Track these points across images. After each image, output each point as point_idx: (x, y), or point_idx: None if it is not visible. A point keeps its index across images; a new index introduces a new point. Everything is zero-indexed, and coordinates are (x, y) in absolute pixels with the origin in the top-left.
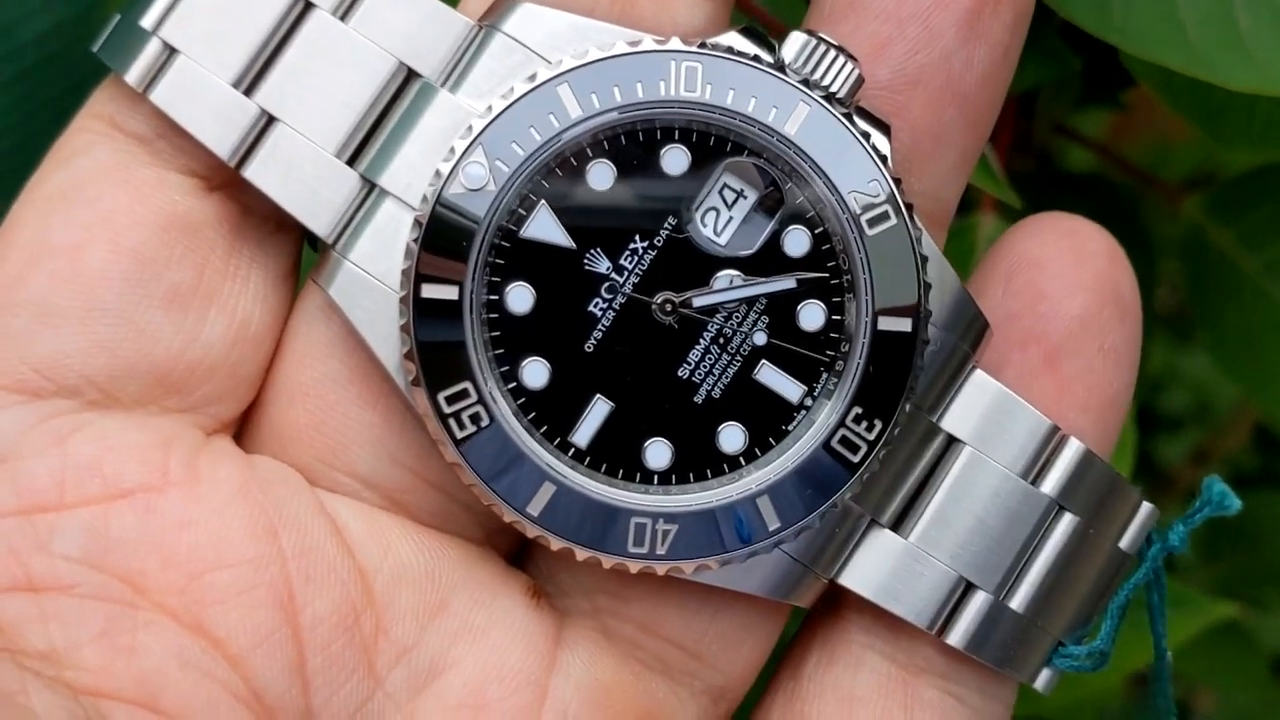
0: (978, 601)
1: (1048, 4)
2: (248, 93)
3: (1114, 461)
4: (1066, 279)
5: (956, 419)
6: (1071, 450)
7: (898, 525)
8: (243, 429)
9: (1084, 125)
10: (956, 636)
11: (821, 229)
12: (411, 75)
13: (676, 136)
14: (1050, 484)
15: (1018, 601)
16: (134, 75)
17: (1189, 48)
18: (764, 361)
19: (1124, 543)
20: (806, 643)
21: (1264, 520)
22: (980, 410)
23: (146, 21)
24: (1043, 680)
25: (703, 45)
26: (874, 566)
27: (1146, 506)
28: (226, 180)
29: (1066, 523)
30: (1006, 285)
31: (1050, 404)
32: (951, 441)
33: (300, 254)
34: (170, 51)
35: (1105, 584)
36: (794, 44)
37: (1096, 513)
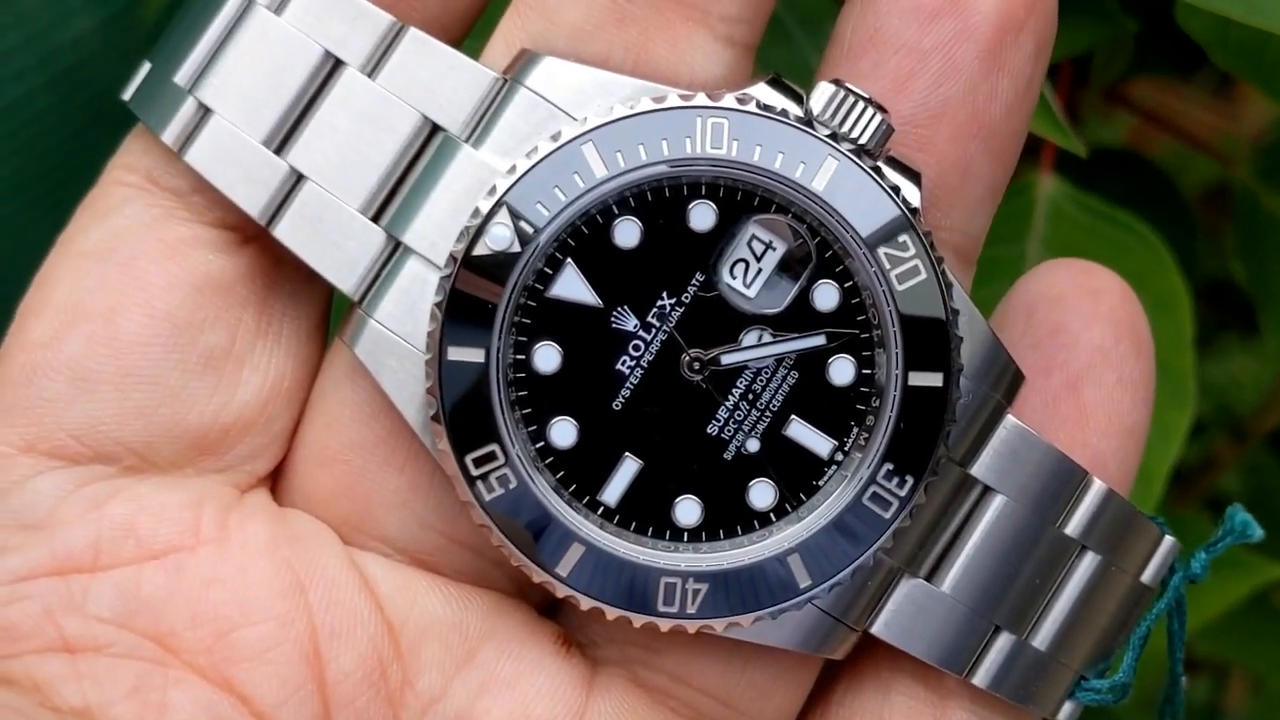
0: (1002, 642)
1: None
2: (278, 151)
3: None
4: (1084, 312)
5: (988, 468)
6: (1095, 491)
7: (931, 575)
8: (276, 485)
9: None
10: (980, 677)
11: (851, 283)
12: (435, 129)
13: (703, 193)
14: (1074, 526)
15: (1040, 639)
16: (170, 135)
17: None
18: (794, 417)
19: (1145, 577)
20: (834, 668)
21: None
22: (1012, 458)
23: (180, 79)
24: (1064, 714)
25: (741, 99)
26: (906, 616)
27: (1168, 541)
28: (259, 232)
29: (1089, 561)
30: (1027, 321)
31: (1073, 429)
32: (985, 491)
33: (331, 302)
34: (205, 111)
35: (1126, 617)
36: (821, 95)
37: (1118, 550)
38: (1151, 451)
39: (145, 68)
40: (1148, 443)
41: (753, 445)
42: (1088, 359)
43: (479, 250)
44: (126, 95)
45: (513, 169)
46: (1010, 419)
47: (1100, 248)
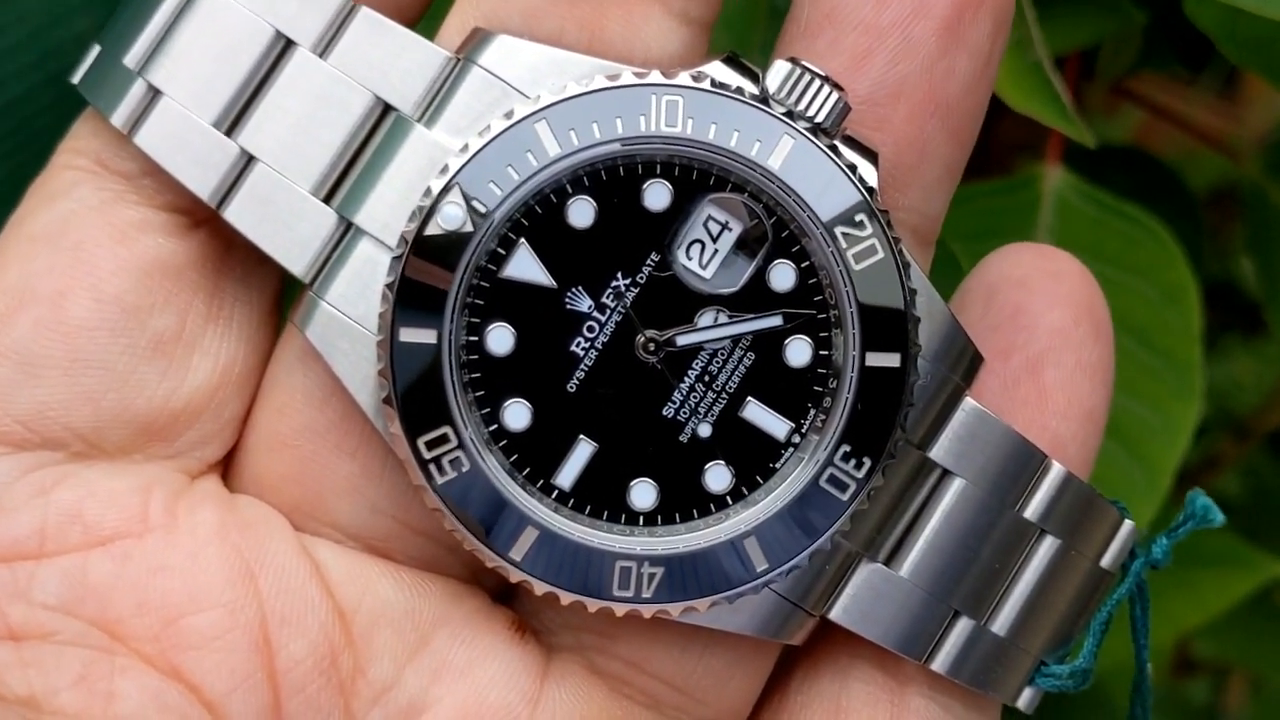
0: (961, 627)
1: None
2: (229, 133)
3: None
4: (1045, 294)
5: (946, 450)
6: (1054, 474)
7: (889, 559)
8: (227, 470)
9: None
10: (939, 662)
11: (807, 263)
12: (388, 109)
13: (658, 172)
14: (1033, 509)
15: (999, 624)
16: (119, 118)
17: None
18: (750, 399)
19: (1105, 561)
20: (792, 655)
21: None
22: (970, 441)
23: (130, 60)
24: (1024, 700)
25: (696, 77)
26: (865, 601)
27: (1127, 525)
28: (210, 214)
29: (1048, 545)
30: (988, 303)
31: (1032, 411)
32: (943, 474)
33: (283, 287)
34: (154, 93)
35: (1086, 602)
36: (778, 74)
37: (1077, 533)
38: (1158, 444)
39: (95, 50)
40: (1153, 435)
41: (709, 428)
42: (1048, 341)
43: (431, 230)
44: (76, 78)
45: (465, 148)
46: (969, 401)
47: (1108, 240)
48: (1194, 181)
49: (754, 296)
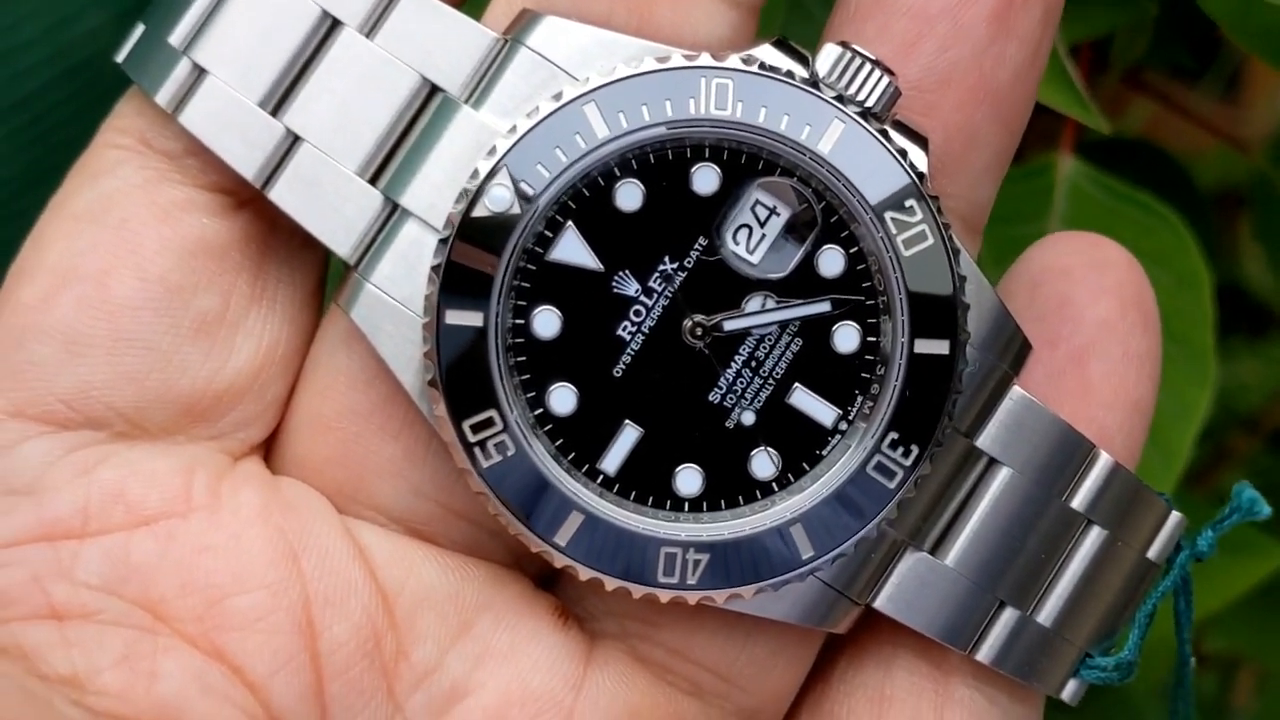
0: (1006, 617)
1: None
2: (274, 112)
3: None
4: (1091, 285)
5: (994, 439)
6: (1101, 464)
7: (935, 548)
8: (269, 452)
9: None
10: (983, 653)
11: (856, 249)
12: (435, 90)
13: (707, 155)
14: (1080, 499)
15: (1044, 615)
16: (164, 97)
17: None
18: (797, 385)
19: (1151, 553)
20: (835, 643)
21: None
22: (1018, 430)
23: (175, 39)
24: (1069, 691)
25: (746, 60)
26: (910, 590)
27: (1175, 516)
28: (254, 195)
29: (1094, 536)
30: (1033, 293)
31: (1077, 402)
32: (990, 463)
33: (327, 267)
34: (200, 72)
35: (1132, 594)
36: (827, 57)
37: (1123, 524)
38: (1172, 428)
39: (139, 29)
40: (1168, 420)
41: (755, 414)
42: (1094, 332)
43: (478, 212)
44: (120, 57)
45: (513, 129)
46: (1017, 390)
47: (1121, 227)
48: (1199, 181)
49: (802, 282)
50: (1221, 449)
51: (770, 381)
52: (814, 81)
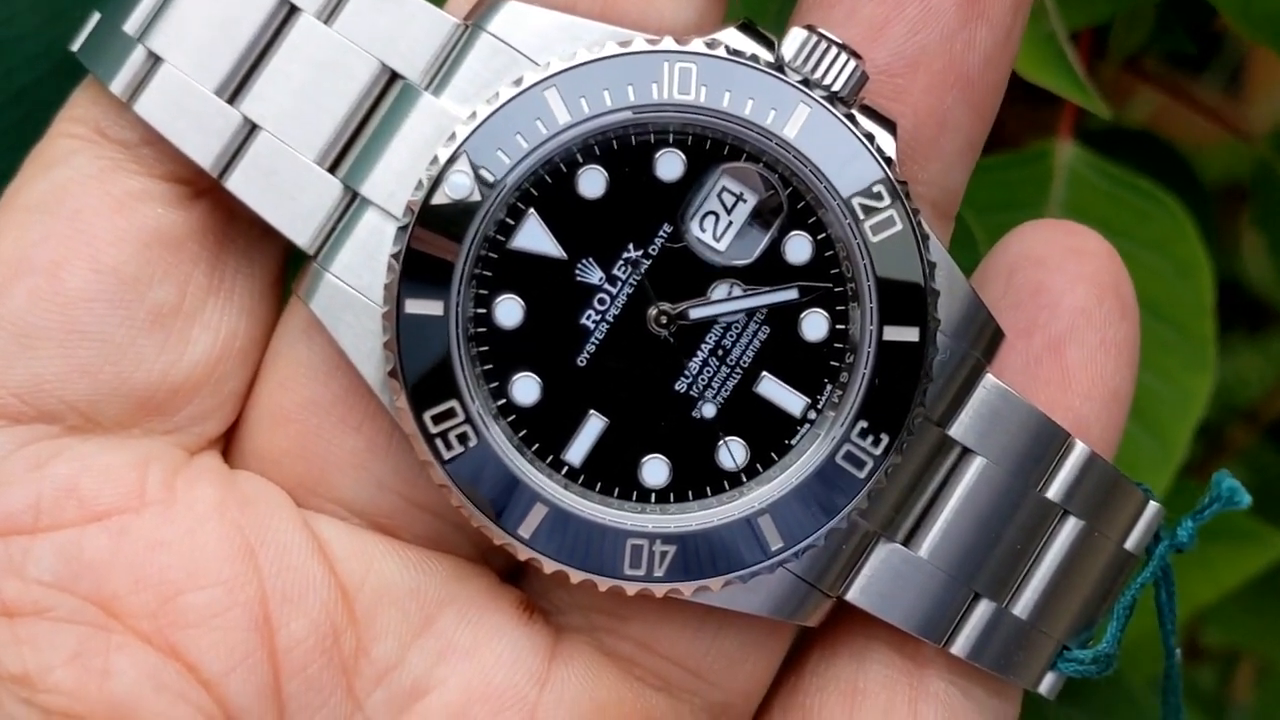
0: (981, 610)
1: None
2: (231, 100)
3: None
4: (1068, 273)
5: (967, 428)
6: (1077, 453)
7: (908, 540)
8: (228, 445)
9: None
10: (959, 645)
11: (824, 235)
12: (394, 77)
13: (671, 141)
14: (1055, 489)
15: (1020, 607)
16: (119, 85)
17: None
18: (765, 373)
19: (1130, 544)
20: (808, 637)
21: None
22: (992, 419)
23: (130, 27)
24: (1046, 685)
25: (710, 44)
26: (883, 582)
27: (1153, 506)
28: (211, 185)
29: (1071, 526)
30: (1008, 281)
31: (1054, 391)
32: (963, 452)
33: (287, 259)
34: (155, 60)
35: (1110, 586)
36: (793, 41)
37: (1101, 515)
38: (1172, 417)
39: (95, 18)
40: (1167, 408)
41: (722, 403)
42: (1070, 320)
43: (438, 199)
44: (75, 45)
45: (473, 116)
46: (990, 378)
47: (1121, 214)
48: (1202, 177)
49: (769, 269)
50: (1220, 442)
51: (737, 370)
52: (779, 65)
